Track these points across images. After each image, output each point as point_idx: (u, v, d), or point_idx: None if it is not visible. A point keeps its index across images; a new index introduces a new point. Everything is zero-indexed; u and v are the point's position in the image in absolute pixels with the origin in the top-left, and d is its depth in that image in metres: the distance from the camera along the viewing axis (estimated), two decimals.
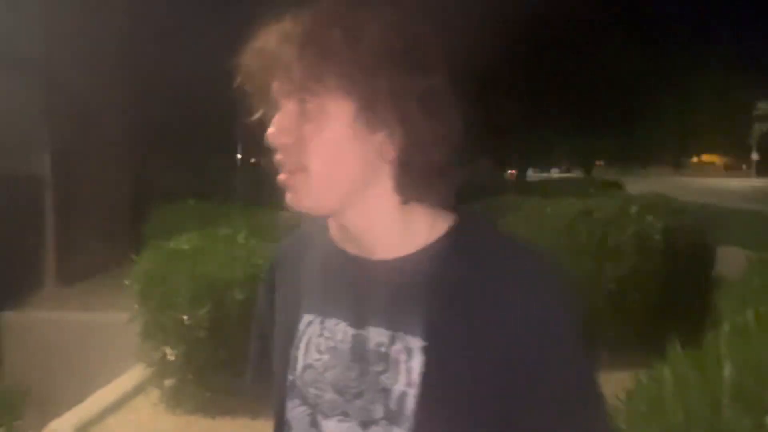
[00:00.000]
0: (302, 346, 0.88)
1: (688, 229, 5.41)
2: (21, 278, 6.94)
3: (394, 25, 0.80)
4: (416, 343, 0.80)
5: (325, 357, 0.85)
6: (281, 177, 0.82)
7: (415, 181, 0.81)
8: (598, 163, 29.37)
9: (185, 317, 3.94)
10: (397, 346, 0.81)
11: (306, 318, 0.89)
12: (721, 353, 1.68)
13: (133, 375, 4.53)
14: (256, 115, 0.85)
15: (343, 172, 0.81)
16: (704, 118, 24.40)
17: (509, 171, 21.84)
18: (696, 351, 1.79)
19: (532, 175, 26.85)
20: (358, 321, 0.84)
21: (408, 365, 0.80)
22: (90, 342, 5.55)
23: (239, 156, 15.89)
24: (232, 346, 3.96)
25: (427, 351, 0.79)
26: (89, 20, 8.17)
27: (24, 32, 7.06)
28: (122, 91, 9.10)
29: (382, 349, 0.81)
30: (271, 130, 0.81)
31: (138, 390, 4.41)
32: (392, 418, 0.80)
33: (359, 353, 0.83)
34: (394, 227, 0.84)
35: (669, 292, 4.71)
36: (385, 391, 0.81)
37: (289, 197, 0.82)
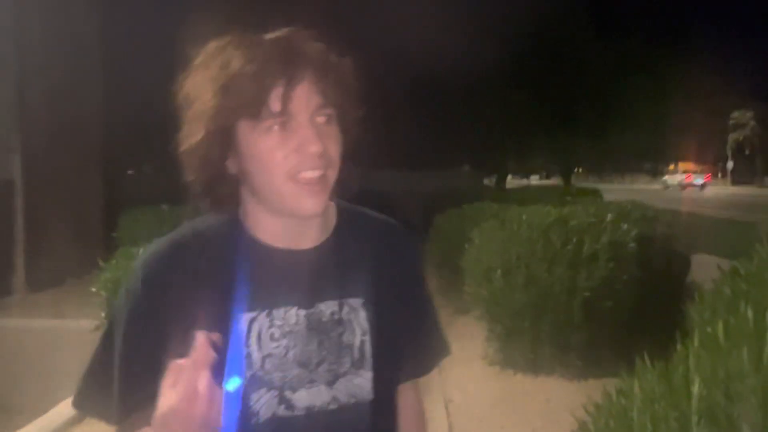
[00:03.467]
0: (252, 342, 0.95)
1: (662, 237, 5.44)
2: None
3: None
4: (357, 303, 1.02)
5: (284, 342, 0.96)
6: (318, 185, 0.93)
7: (346, 182, 1.00)
8: (576, 170, 29.57)
9: None
10: (346, 309, 1.01)
11: (246, 317, 0.95)
12: (689, 367, 1.65)
13: None
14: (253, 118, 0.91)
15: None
16: (681, 127, 24.69)
17: (488, 178, 21.92)
18: (665, 364, 1.76)
19: (511, 182, 26.96)
20: (307, 302, 0.99)
21: (358, 320, 1.02)
22: (58, 350, 5.42)
23: None
24: None
25: (365, 305, 1.03)
26: (63, 20, 8.03)
27: None
28: (96, 93, 8.96)
29: (336, 317, 1.00)
30: (317, 142, 0.91)
31: None
32: (358, 364, 1.01)
33: (315, 327, 0.98)
34: (324, 220, 1.03)
35: (643, 300, 4.71)
36: (348, 347, 1.00)
37: (313, 203, 0.93)
